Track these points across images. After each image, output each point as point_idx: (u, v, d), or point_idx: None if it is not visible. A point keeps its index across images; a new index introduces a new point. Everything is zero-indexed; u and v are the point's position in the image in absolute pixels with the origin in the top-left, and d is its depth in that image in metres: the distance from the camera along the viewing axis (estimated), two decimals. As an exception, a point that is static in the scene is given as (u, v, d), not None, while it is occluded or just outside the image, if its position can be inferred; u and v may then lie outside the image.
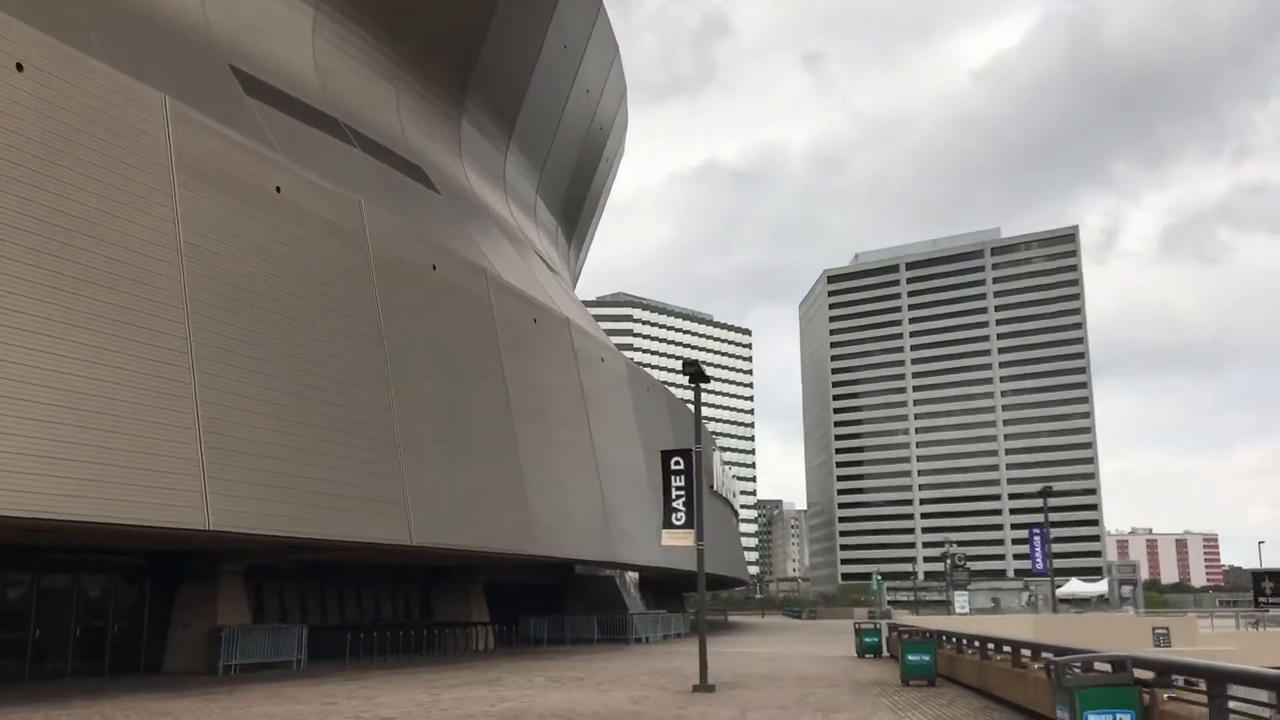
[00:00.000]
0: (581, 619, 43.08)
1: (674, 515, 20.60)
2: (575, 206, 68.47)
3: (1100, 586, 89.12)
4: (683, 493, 20.61)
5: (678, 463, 20.94)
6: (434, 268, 31.05)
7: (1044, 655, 11.83)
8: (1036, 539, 53.05)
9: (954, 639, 21.52)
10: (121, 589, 26.97)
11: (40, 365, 17.24)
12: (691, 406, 21.85)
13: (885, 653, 32.15)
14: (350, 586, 36.24)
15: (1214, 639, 36.96)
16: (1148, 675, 9.81)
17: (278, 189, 24.59)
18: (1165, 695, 9.37)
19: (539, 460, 34.68)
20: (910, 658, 20.26)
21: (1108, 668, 10.31)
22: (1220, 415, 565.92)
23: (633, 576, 48.68)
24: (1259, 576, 57.88)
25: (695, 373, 20.23)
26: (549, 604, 45.82)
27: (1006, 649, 16.26)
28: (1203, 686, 9.09)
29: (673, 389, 61.22)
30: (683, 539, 20.45)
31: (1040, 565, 52.76)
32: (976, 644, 18.96)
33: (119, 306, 18.86)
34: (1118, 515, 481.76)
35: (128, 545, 24.83)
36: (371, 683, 22.43)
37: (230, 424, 21.07)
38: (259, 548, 25.52)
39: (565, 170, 62.83)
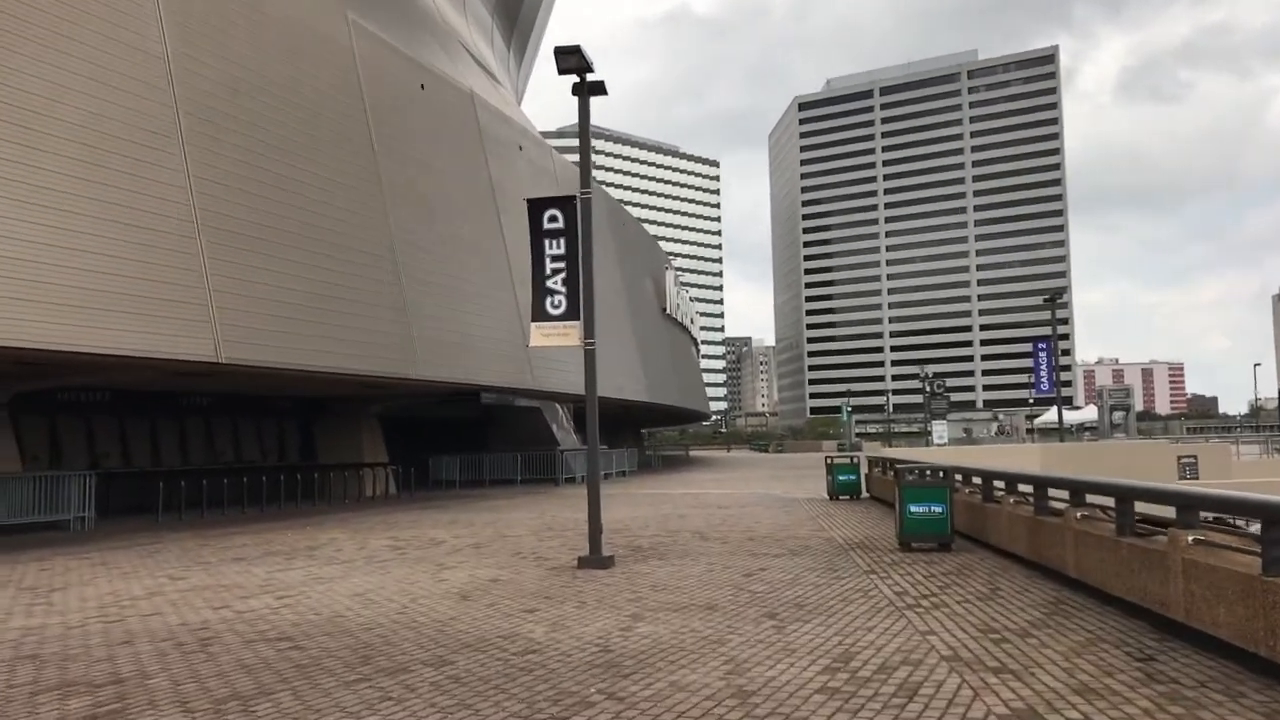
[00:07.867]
0: (505, 457, 36.49)
1: (549, 300, 12.95)
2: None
3: (1082, 415, 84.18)
4: (562, 267, 13.10)
5: (554, 219, 13.21)
6: (261, -5, 22.79)
7: None
8: (1042, 353, 45.98)
9: (980, 480, 14.36)
10: None
11: None
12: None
13: (865, 493, 25.66)
14: (196, 423, 29.16)
15: (1257, 469, 30.77)
16: None
17: None
18: None
19: (427, 261, 27.18)
20: (914, 509, 13.20)
21: None
22: (1180, 249, 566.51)
23: (566, 407, 41.99)
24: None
25: (579, 68, 12.40)
26: (473, 440, 39.22)
27: (1099, 500, 9.07)
28: None
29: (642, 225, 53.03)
30: (561, 337, 12.91)
31: (1046, 386, 46.00)
32: (1027, 489, 11.74)
33: None
34: (1082, 347, 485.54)
35: None
36: (133, 554, 15.48)
37: None
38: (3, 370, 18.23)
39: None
